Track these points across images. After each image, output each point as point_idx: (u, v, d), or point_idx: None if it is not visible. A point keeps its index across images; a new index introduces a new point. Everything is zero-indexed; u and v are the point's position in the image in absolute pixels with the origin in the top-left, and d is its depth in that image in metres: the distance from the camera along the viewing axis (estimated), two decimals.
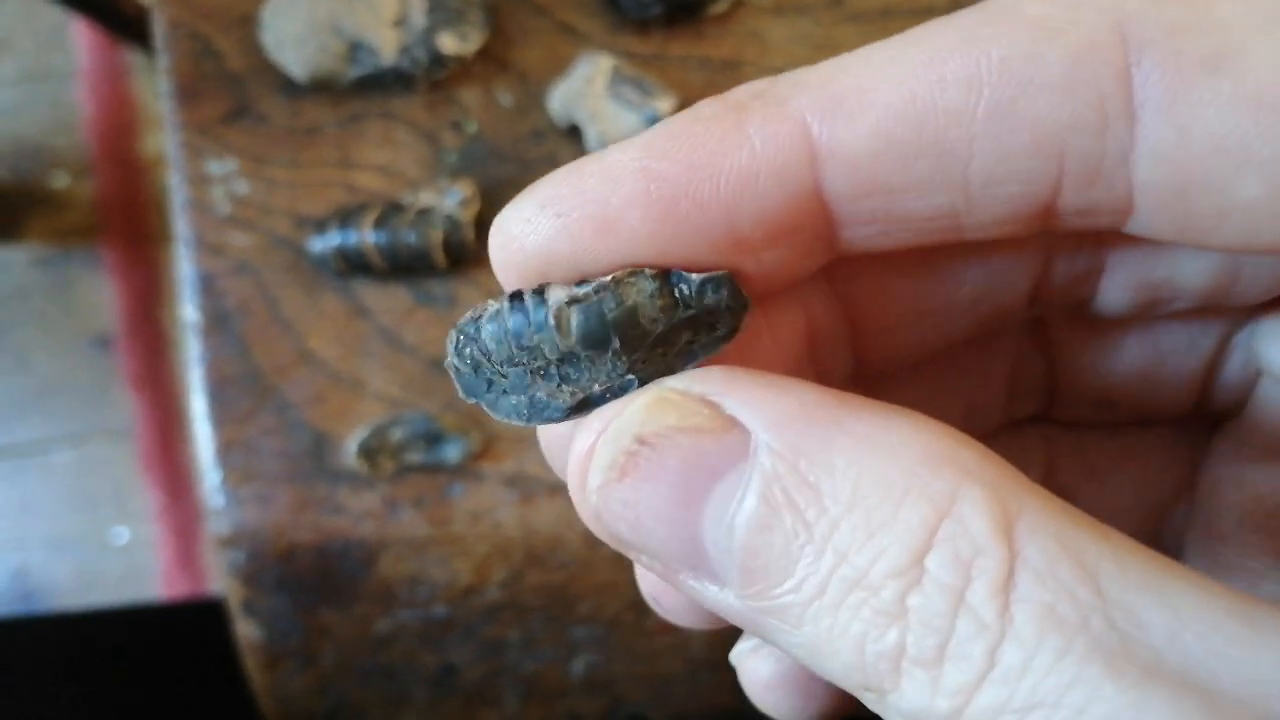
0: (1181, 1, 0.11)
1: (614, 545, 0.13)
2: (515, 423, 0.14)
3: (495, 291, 0.35)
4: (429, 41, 0.34)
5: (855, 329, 0.15)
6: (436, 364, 0.35)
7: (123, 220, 0.97)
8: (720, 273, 0.13)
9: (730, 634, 0.38)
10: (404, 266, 0.34)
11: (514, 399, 0.14)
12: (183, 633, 0.54)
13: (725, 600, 0.12)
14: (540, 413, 0.14)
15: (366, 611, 0.35)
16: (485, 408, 0.14)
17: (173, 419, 0.98)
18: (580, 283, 0.13)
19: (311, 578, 0.35)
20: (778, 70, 0.36)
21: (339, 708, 0.36)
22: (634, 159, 0.12)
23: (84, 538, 0.97)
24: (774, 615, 0.12)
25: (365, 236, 0.33)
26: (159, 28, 0.37)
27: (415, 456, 0.34)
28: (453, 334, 0.14)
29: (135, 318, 0.97)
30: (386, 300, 0.35)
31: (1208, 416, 0.17)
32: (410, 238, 0.33)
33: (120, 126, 0.98)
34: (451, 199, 0.34)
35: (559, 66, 0.35)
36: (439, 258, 0.33)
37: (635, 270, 0.13)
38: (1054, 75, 0.11)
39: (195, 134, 0.36)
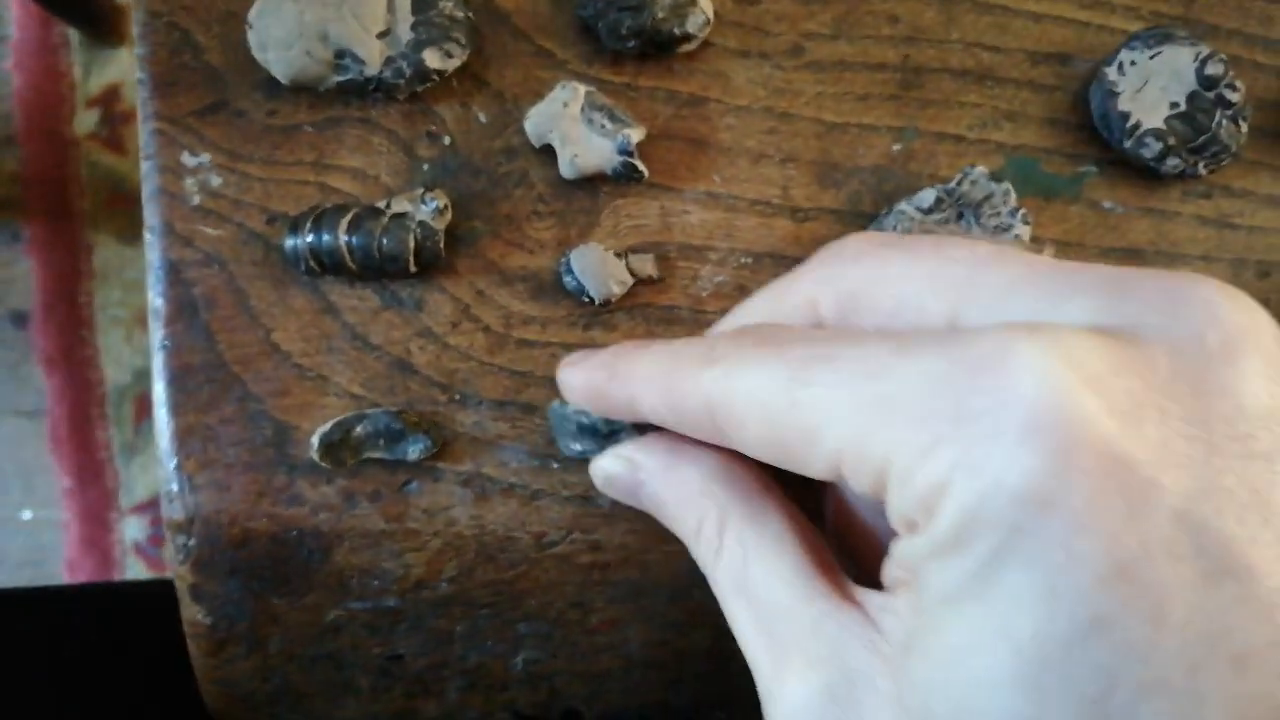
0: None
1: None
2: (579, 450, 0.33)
3: (460, 299, 0.37)
4: (413, 55, 0.35)
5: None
6: (400, 364, 0.36)
7: (46, 197, 0.95)
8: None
9: (663, 635, 0.40)
10: (375, 269, 0.35)
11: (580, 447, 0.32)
12: (103, 616, 0.54)
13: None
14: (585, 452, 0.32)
15: (317, 600, 0.36)
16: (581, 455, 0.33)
17: (86, 402, 0.95)
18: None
19: (264, 565, 0.36)
20: (741, 108, 0.38)
21: (282, 692, 0.37)
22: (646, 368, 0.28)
23: None
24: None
25: (340, 237, 0.35)
26: (137, 15, 0.38)
27: (375, 453, 0.35)
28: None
29: (53, 297, 0.94)
30: (354, 300, 0.36)
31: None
32: (385, 241, 0.35)
33: (49, 102, 0.96)
34: (427, 207, 0.35)
35: (534, 89, 0.37)
36: (411, 262, 0.35)
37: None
38: None
39: (169, 124, 0.37)
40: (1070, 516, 0.17)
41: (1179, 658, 0.17)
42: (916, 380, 0.19)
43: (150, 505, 0.97)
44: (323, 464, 0.35)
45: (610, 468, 0.29)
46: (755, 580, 0.25)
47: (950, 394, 0.19)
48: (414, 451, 0.35)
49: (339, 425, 0.35)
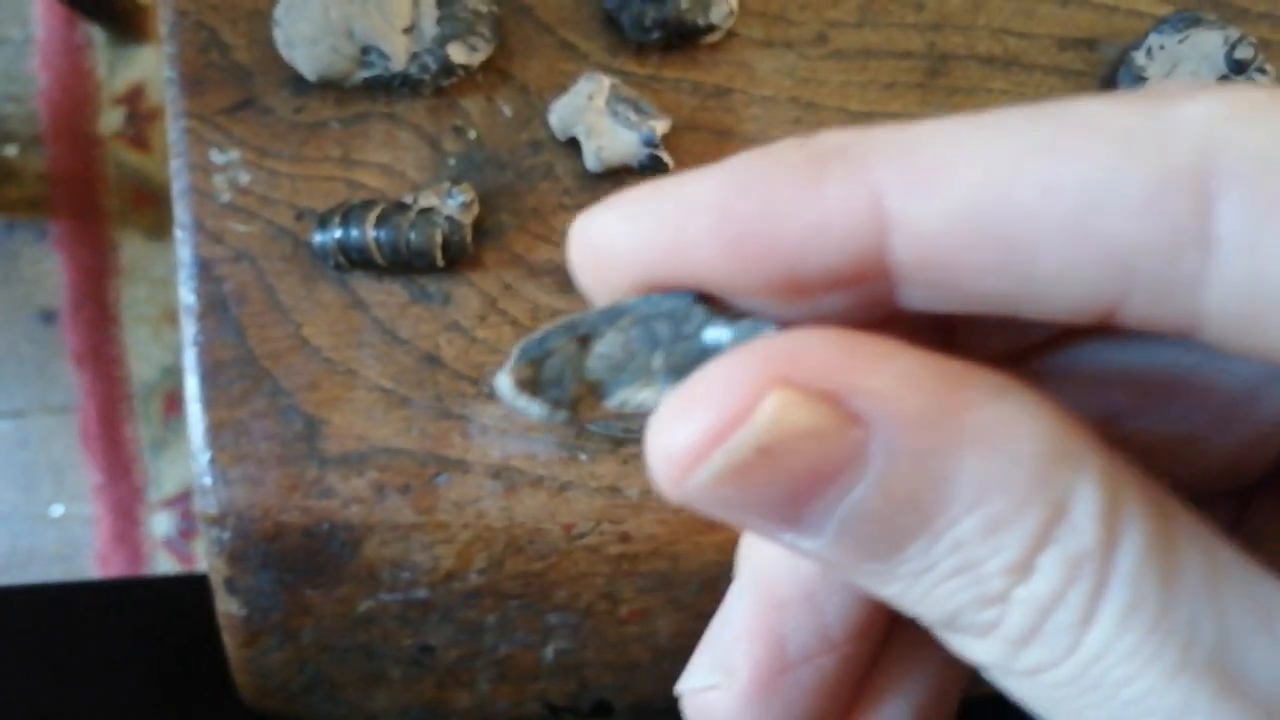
0: (1273, 128, 0.11)
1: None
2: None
3: (487, 292, 0.37)
4: (438, 50, 0.35)
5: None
6: (428, 358, 0.36)
7: (73, 195, 0.96)
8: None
9: (693, 626, 0.40)
10: (403, 263, 0.35)
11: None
12: (134, 611, 0.54)
13: (813, 549, 0.13)
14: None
15: (349, 592, 0.36)
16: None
17: (115, 398, 0.96)
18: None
19: (296, 558, 0.36)
20: (765, 99, 0.38)
21: (315, 682, 0.37)
22: (713, 193, 0.13)
23: (19, 514, 0.96)
24: (867, 574, 0.13)
25: (368, 232, 0.35)
26: (165, 15, 0.38)
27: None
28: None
29: (81, 294, 0.96)
30: (382, 295, 0.36)
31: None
32: (412, 236, 0.35)
33: (75, 101, 0.97)
34: (453, 201, 0.35)
35: (558, 81, 0.37)
36: (438, 257, 0.35)
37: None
38: (1132, 195, 0.12)
39: (198, 122, 0.37)
40: None
41: None
42: None
43: (179, 500, 0.98)
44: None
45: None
46: None
47: None
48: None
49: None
